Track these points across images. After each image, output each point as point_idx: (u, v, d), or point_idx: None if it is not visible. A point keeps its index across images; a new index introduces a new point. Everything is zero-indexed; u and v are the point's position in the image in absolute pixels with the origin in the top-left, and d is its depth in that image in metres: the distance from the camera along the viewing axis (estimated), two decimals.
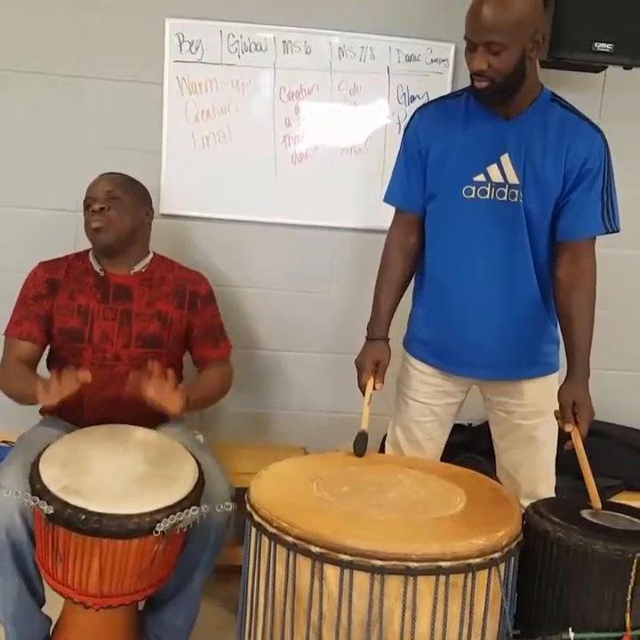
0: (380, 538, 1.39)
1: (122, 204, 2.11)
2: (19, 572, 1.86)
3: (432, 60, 2.52)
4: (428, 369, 2.08)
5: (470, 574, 1.39)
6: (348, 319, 2.64)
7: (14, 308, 2.16)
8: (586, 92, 2.51)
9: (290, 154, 2.56)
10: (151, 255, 2.23)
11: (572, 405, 1.82)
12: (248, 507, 1.56)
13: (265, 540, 1.49)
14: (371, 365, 1.98)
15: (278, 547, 1.45)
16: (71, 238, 2.45)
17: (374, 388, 1.97)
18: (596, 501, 1.69)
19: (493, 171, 1.89)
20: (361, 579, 1.37)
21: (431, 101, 2.08)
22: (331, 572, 1.39)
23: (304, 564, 1.41)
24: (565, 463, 2.03)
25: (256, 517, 1.52)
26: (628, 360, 2.80)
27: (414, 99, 2.53)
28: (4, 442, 2.46)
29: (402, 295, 2.08)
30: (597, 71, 2.44)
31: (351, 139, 2.57)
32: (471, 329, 1.99)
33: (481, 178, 1.90)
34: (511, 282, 1.95)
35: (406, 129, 2.04)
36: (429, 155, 1.95)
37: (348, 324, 2.66)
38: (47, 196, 2.55)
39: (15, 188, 2.56)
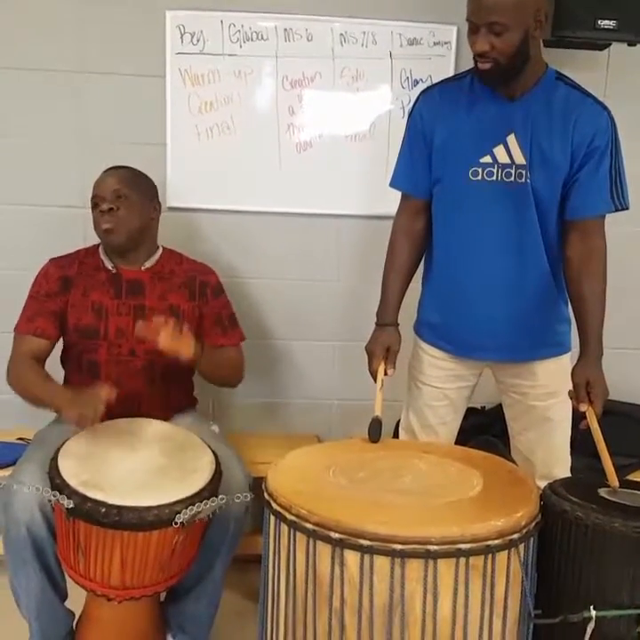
0: (399, 522, 1.40)
1: (130, 203, 2.10)
2: (41, 568, 1.88)
3: (434, 43, 2.51)
4: (439, 353, 2.08)
5: (490, 556, 1.40)
6: (356, 306, 2.65)
7: (26, 304, 2.16)
8: (590, 71, 2.48)
9: (294, 142, 2.55)
10: (160, 250, 2.24)
11: (585, 385, 1.82)
12: (266, 495, 1.57)
13: (284, 527, 1.50)
14: (381, 351, 1.99)
15: (298, 534, 1.46)
16: (80, 234, 2.45)
17: (385, 374, 1.97)
18: (613, 480, 1.69)
19: (500, 152, 1.88)
20: (381, 563, 1.38)
21: (435, 84, 2.06)
22: (351, 557, 1.39)
23: (324, 551, 1.42)
24: (580, 443, 2.04)
25: (274, 506, 1.52)
26: None
27: (418, 82, 2.51)
28: (20, 439, 2.49)
29: (410, 280, 2.08)
30: (601, 49, 2.42)
31: (355, 125, 2.56)
32: (481, 312, 1.99)
33: (488, 159, 1.89)
34: (521, 264, 1.94)
35: (410, 113, 2.03)
36: (435, 138, 1.94)
37: (357, 310, 2.66)
38: (53, 193, 2.56)
39: (21, 186, 2.56)
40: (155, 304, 2.16)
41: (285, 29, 2.48)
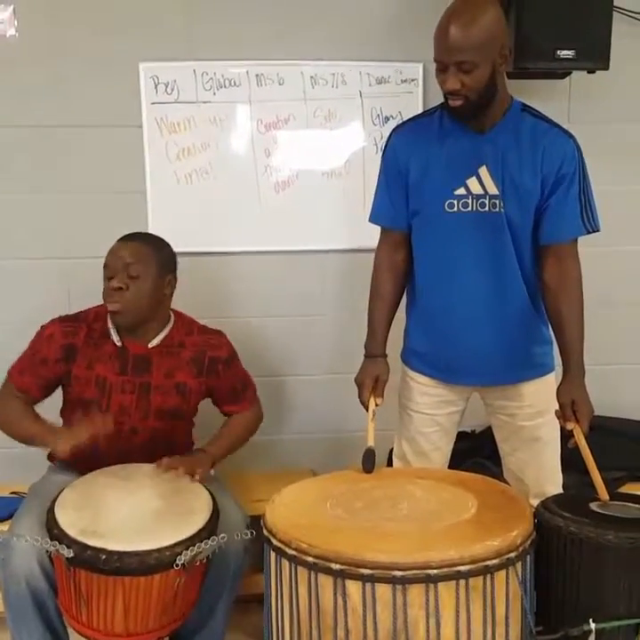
0: (398, 549, 1.43)
1: (141, 282, 2.00)
2: (42, 622, 1.88)
3: (402, 81, 2.59)
4: (427, 380, 2.12)
5: (489, 576, 1.42)
6: (344, 339, 2.69)
7: (23, 354, 2.10)
8: (553, 99, 2.58)
9: (272, 183, 2.61)
10: (171, 321, 2.15)
11: (571, 404, 1.87)
12: (265, 532, 1.59)
13: (285, 562, 1.52)
14: (370, 382, 2.02)
15: (299, 568, 1.48)
16: (64, 287, 2.49)
17: (376, 405, 2.00)
18: (603, 493, 1.73)
19: (473, 183, 1.94)
20: (383, 591, 1.40)
21: (406, 121, 2.12)
22: (353, 587, 1.41)
23: (326, 583, 1.44)
24: (570, 460, 2.07)
25: (274, 541, 1.54)
26: (627, 354, 2.86)
27: (388, 119, 2.59)
28: (13, 493, 2.48)
29: (395, 311, 2.11)
30: (562, 77, 2.51)
31: (330, 163, 2.63)
32: (465, 339, 2.03)
33: (461, 191, 1.95)
34: (500, 290, 1.99)
35: (384, 150, 2.08)
36: (410, 173, 1.99)
37: (345, 343, 2.70)
38: (36, 245, 2.58)
39: (6, 240, 2.59)
40: (161, 382, 2.10)
41: (257, 75, 2.55)
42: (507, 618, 1.47)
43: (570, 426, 1.86)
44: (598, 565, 1.50)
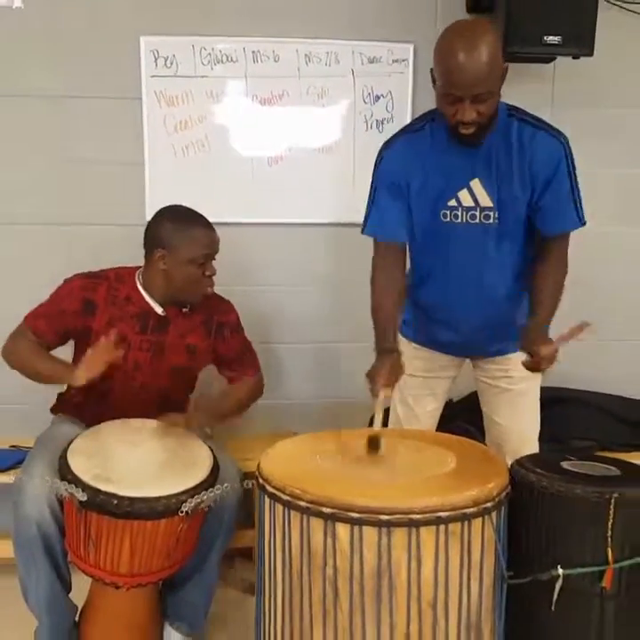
0: (384, 495, 1.55)
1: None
2: (50, 564, 1.98)
3: (393, 61, 2.68)
4: (422, 348, 2.25)
5: (466, 522, 1.54)
6: (329, 309, 2.80)
7: (42, 303, 2.19)
8: (539, 82, 2.70)
9: (265, 157, 2.70)
10: None
11: (536, 348, 1.92)
12: (260, 480, 1.69)
13: (279, 508, 1.62)
14: (382, 378, 1.93)
15: (292, 512, 1.59)
16: (63, 250, 2.57)
17: (385, 396, 1.94)
18: (585, 327, 1.81)
19: (464, 196, 2.01)
20: (369, 533, 1.52)
21: (396, 136, 2.10)
22: (342, 529, 1.53)
23: (317, 525, 1.55)
24: (543, 431, 2.24)
25: (269, 488, 1.65)
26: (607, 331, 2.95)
27: (379, 97, 2.69)
28: (12, 446, 2.59)
29: (400, 313, 2.11)
30: (548, 62, 2.62)
31: (322, 139, 2.72)
32: (458, 326, 2.16)
33: (453, 203, 2.01)
34: (490, 286, 2.10)
35: (378, 165, 2.08)
36: (411, 187, 2.03)
37: (330, 313, 2.82)
38: (36, 213, 2.66)
39: (5, 207, 2.66)
40: (174, 342, 2.23)
41: (253, 51, 2.63)
42: (482, 562, 1.59)
43: (543, 366, 1.91)
44: (567, 517, 1.63)
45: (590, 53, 2.44)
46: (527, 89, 2.65)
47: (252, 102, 2.67)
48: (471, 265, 2.07)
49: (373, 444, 1.83)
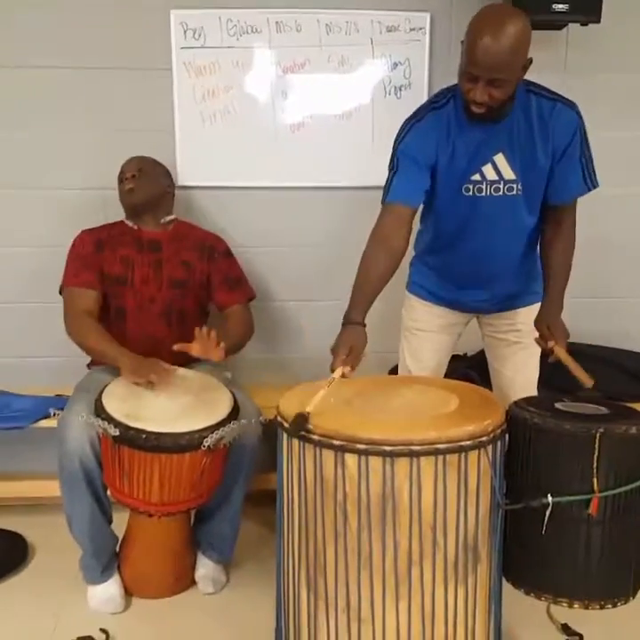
0: (388, 429, 1.72)
1: (148, 175, 2.54)
2: (91, 495, 2.20)
3: (410, 29, 2.78)
4: (433, 305, 2.41)
5: (463, 454, 1.70)
6: (344, 269, 2.93)
7: (67, 266, 2.49)
8: (551, 49, 2.79)
9: (288, 123, 2.83)
10: (174, 217, 2.62)
11: (547, 328, 2.14)
12: (279, 418, 1.87)
13: (295, 442, 1.81)
14: (344, 352, 1.93)
15: (306, 445, 1.77)
16: (100, 211, 2.74)
17: (343, 375, 1.90)
18: (588, 380, 2.00)
19: (488, 170, 2.12)
20: (375, 463, 1.69)
21: (421, 113, 2.14)
22: (350, 459, 1.70)
23: (328, 456, 1.73)
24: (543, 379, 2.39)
25: (286, 425, 1.83)
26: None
27: (397, 65, 2.80)
28: (57, 395, 2.79)
29: (381, 289, 2.07)
30: (559, 28, 2.71)
31: (342, 106, 2.84)
32: (478, 292, 2.32)
33: (477, 177, 2.12)
34: (509, 251, 2.25)
35: (402, 138, 2.12)
36: (439, 163, 2.11)
37: (347, 273, 2.95)
38: (74, 177, 2.83)
39: (45, 173, 2.84)
40: (170, 257, 2.53)
41: (277, 22, 2.75)
42: (478, 490, 1.75)
43: (550, 344, 2.13)
44: (557, 450, 1.80)
45: (597, 20, 2.53)
46: (540, 55, 2.71)
47: (276, 71, 2.80)
48: (492, 234, 2.20)
49: (299, 422, 1.73)
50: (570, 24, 2.68)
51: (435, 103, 2.14)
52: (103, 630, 2.12)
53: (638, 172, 3.03)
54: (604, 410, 1.91)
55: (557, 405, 1.93)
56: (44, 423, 2.63)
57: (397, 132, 2.15)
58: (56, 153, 2.83)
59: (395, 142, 2.15)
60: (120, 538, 2.37)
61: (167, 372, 2.25)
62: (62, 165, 2.84)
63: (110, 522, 2.31)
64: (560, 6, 2.49)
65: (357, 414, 1.82)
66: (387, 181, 2.14)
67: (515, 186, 2.13)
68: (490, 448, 1.76)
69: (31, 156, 2.82)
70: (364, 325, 2.01)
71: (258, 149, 2.85)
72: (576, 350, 2.93)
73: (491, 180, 2.13)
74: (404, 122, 2.16)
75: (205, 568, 2.39)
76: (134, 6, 2.73)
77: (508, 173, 2.12)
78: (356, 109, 2.84)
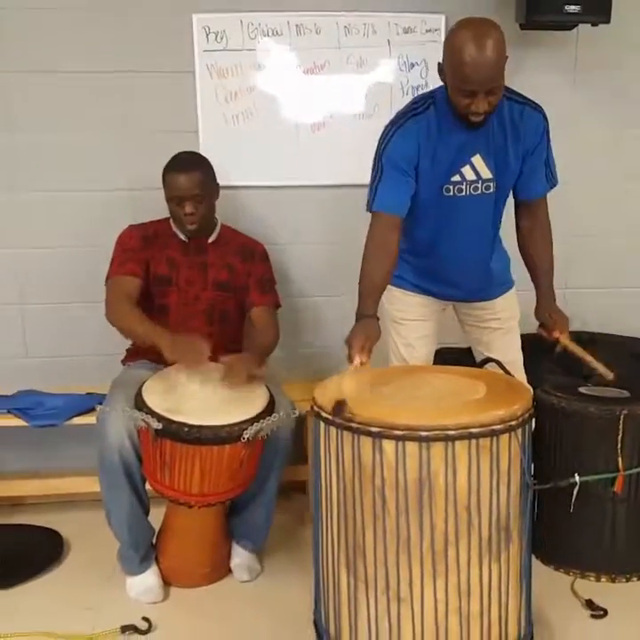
0: (424, 415, 1.80)
1: (206, 202, 2.51)
2: (130, 487, 2.28)
3: (426, 31, 2.86)
4: (416, 296, 2.52)
5: (495, 438, 1.79)
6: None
7: (113, 259, 2.54)
8: (562, 48, 2.86)
9: (309, 123, 2.91)
10: (219, 225, 2.65)
11: (549, 318, 2.27)
12: (315, 408, 1.95)
13: (332, 430, 1.87)
14: (359, 343, 2.09)
15: (344, 433, 1.84)
16: (128, 212, 2.80)
17: (361, 363, 2.07)
18: (607, 373, 2.06)
19: (467, 171, 2.26)
20: (412, 448, 1.77)
21: (404, 117, 2.23)
22: (388, 445, 1.78)
23: (366, 443, 1.80)
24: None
25: (324, 414, 1.91)
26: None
27: (414, 65, 2.88)
28: (88, 393, 2.86)
29: (386, 285, 2.30)
30: (570, 29, 2.78)
31: (361, 105, 2.92)
32: (451, 279, 2.45)
33: (457, 178, 2.26)
34: (481, 243, 2.40)
35: (386, 144, 2.22)
36: (420, 167, 2.23)
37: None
38: (102, 179, 2.91)
39: (75, 174, 2.91)
40: (215, 262, 2.59)
41: (297, 25, 2.83)
42: (509, 472, 1.84)
43: (555, 334, 2.24)
44: (583, 432, 1.89)
45: (607, 20, 2.62)
46: (552, 55, 2.85)
47: (296, 72, 2.87)
48: (471, 230, 2.34)
49: (338, 408, 1.85)
50: (580, 24, 2.76)
51: (414, 110, 2.23)
52: (145, 619, 2.19)
53: None
54: (625, 393, 1.99)
55: (581, 390, 2.02)
56: (77, 420, 2.70)
57: (379, 137, 2.26)
58: (82, 154, 2.90)
59: (377, 148, 2.25)
60: (157, 530, 2.45)
61: (205, 351, 2.26)
62: (88, 167, 2.91)
63: (147, 514, 2.38)
64: (572, 8, 2.57)
65: (392, 402, 1.90)
66: (371, 187, 2.26)
67: (491, 184, 2.27)
68: (519, 431, 1.85)
69: (61, 158, 2.89)
70: (377, 318, 2.20)
71: (280, 149, 2.92)
72: (584, 339, 3.02)
73: (470, 180, 2.26)
74: (385, 127, 2.26)
75: (240, 557, 2.47)
76: (158, 11, 2.80)
77: (486, 173, 2.26)
78: (374, 109, 2.92)
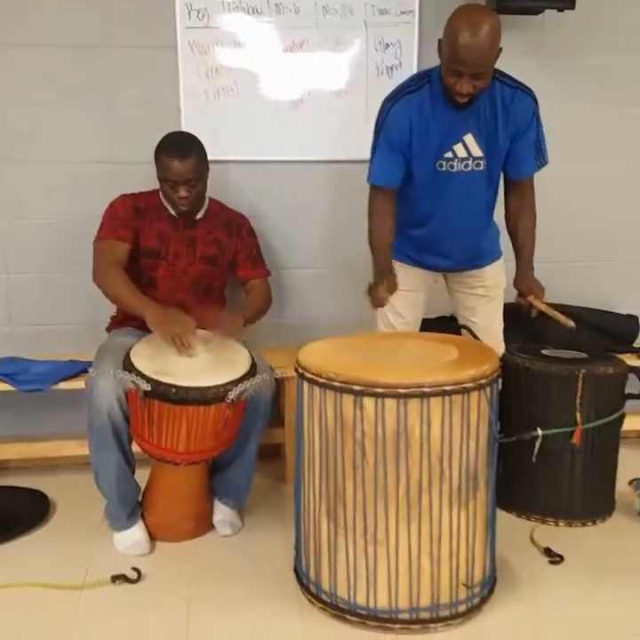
0: (402, 375, 1.95)
1: (199, 185, 2.59)
2: (118, 448, 2.38)
3: (401, 12, 2.97)
4: (409, 266, 2.67)
5: (466, 395, 1.95)
6: (341, 236, 3.14)
7: (103, 224, 2.61)
8: (529, 32, 3.01)
9: (288, 100, 3.01)
10: (207, 201, 2.74)
11: (526, 286, 2.47)
12: (299, 370, 2.08)
13: (316, 390, 2.01)
14: (383, 290, 2.48)
15: (327, 391, 1.98)
16: (110, 183, 2.88)
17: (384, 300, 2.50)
18: (567, 322, 2.26)
19: (459, 148, 2.42)
20: (390, 404, 1.92)
21: (399, 93, 2.41)
22: (368, 402, 1.93)
23: (348, 400, 1.95)
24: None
25: (308, 375, 2.04)
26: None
27: (388, 46, 3.00)
28: (71, 360, 2.94)
29: (393, 241, 2.55)
30: (537, 14, 2.92)
31: (338, 83, 3.03)
32: (448, 254, 2.61)
33: (449, 154, 2.42)
34: (473, 217, 2.56)
35: (385, 119, 2.39)
36: (413, 143, 2.40)
37: (343, 240, 3.15)
38: (86, 150, 2.97)
39: (54, 147, 2.98)
40: (204, 236, 2.68)
41: (276, 4, 2.92)
42: (478, 426, 2.00)
43: (530, 299, 2.42)
44: (544, 389, 2.06)
45: (572, 7, 2.78)
46: (520, 37, 2.99)
47: (276, 50, 2.97)
48: (463, 204, 2.50)
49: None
50: (547, 10, 2.90)
51: (410, 87, 2.41)
52: (135, 569, 2.31)
53: (607, 145, 3.25)
54: (584, 355, 2.16)
55: (544, 352, 2.19)
56: (63, 386, 2.80)
57: (378, 112, 2.44)
58: (65, 128, 2.96)
59: (376, 122, 2.44)
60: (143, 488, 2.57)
61: (190, 323, 2.37)
62: (72, 140, 2.98)
63: (134, 473, 2.49)
64: None
65: (372, 363, 2.05)
66: (370, 160, 2.48)
67: (482, 162, 2.43)
68: (488, 389, 2.01)
69: (44, 131, 2.96)
70: (394, 272, 2.51)
71: (258, 125, 3.02)
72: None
73: (461, 157, 2.42)
74: (383, 102, 2.43)
75: (223, 513, 2.59)
76: None
77: (476, 151, 2.41)
78: (350, 87, 3.03)
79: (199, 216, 2.71)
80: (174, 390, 2.21)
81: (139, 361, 2.29)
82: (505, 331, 2.69)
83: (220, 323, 2.47)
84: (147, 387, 2.20)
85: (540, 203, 2.89)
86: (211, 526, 2.60)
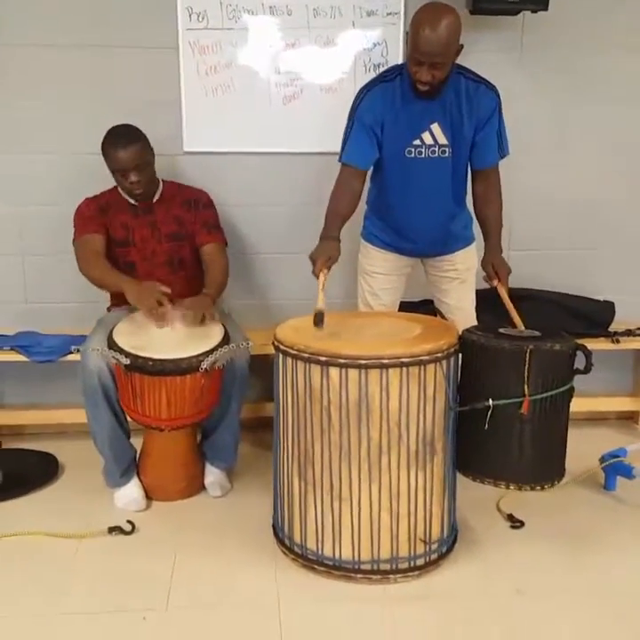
0: (363, 347, 2.16)
1: (147, 169, 2.77)
2: (109, 408, 2.61)
3: (388, 14, 3.15)
4: (386, 251, 2.87)
5: (422, 367, 2.14)
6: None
7: (75, 226, 2.83)
8: (508, 31, 3.18)
9: (281, 96, 3.21)
10: (161, 183, 2.92)
11: (492, 267, 2.67)
12: (276, 342, 2.29)
13: (289, 360, 2.23)
14: (323, 259, 2.48)
15: (298, 362, 2.20)
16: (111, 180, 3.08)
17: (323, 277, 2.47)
18: (520, 324, 2.47)
19: (426, 136, 2.62)
20: (353, 374, 2.12)
21: (373, 82, 2.63)
22: (333, 372, 2.14)
23: (316, 370, 2.16)
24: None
25: (282, 347, 2.25)
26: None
27: (375, 45, 3.18)
28: (79, 335, 3.09)
29: (349, 216, 2.66)
30: (515, 14, 3.08)
31: (328, 80, 3.21)
32: (416, 234, 2.79)
33: (417, 142, 2.63)
34: (440, 202, 2.75)
35: (359, 104, 2.59)
36: (384, 128, 2.60)
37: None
38: (89, 146, 3.00)
39: (61, 141, 3.20)
40: (163, 217, 2.88)
41: (270, 7, 3.12)
42: (434, 396, 2.20)
43: (494, 283, 2.62)
44: (496, 363, 2.25)
45: (545, 8, 2.94)
46: (499, 37, 3.16)
47: (270, 50, 3.17)
48: (431, 190, 2.69)
49: (318, 318, 2.31)
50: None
51: (384, 77, 2.63)
52: (129, 522, 2.56)
53: (583, 137, 3.38)
54: (537, 333, 2.36)
55: (501, 330, 2.38)
56: (71, 357, 3.04)
57: (354, 98, 2.64)
58: (69, 123, 3.18)
59: (351, 107, 2.64)
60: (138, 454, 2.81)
61: (166, 294, 2.57)
62: (76, 134, 3.18)
63: (128, 435, 2.73)
64: None
65: (339, 338, 2.27)
66: (343, 140, 2.64)
67: (447, 149, 2.63)
68: (444, 363, 2.21)
69: (48, 127, 3.18)
70: (339, 240, 2.56)
71: (254, 120, 3.22)
72: (533, 295, 3.36)
73: (428, 145, 2.62)
74: (359, 90, 2.64)
75: (213, 475, 2.83)
76: None
77: (442, 139, 2.62)
78: (339, 84, 3.22)
79: (156, 199, 2.88)
80: (151, 363, 2.43)
81: (120, 338, 2.52)
82: (480, 313, 2.89)
83: (193, 308, 2.63)
84: (126, 361, 2.42)
85: (519, 192, 3.08)
86: (202, 488, 2.83)
